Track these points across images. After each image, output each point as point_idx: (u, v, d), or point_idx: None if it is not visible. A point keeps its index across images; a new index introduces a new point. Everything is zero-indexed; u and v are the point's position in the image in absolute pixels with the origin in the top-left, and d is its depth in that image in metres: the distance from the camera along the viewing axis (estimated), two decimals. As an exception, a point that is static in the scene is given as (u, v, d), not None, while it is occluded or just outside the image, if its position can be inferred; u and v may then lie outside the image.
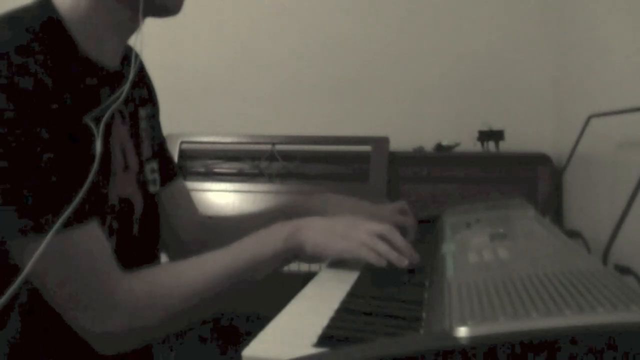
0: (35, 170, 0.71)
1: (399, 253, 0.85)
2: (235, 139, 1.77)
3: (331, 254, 0.88)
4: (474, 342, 0.46)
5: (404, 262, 0.84)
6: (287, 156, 1.72)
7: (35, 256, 0.67)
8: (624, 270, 0.79)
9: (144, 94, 0.99)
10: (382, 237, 0.86)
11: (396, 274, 0.84)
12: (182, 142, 1.75)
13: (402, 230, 1.06)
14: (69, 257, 0.72)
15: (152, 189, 0.96)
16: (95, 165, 0.74)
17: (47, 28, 0.77)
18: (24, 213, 0.70)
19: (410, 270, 0.85)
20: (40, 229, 0.70)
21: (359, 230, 0.87)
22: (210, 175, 1.77)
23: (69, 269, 0.73)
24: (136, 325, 0.77)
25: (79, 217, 0.72)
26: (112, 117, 0.83)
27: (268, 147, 1.73)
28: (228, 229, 1.10)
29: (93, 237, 0.76)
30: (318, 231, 0.87)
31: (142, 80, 1.00)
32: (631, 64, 1.04)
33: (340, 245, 0.86)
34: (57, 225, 0.69)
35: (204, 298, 0.80)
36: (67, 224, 0.70)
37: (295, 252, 0.86)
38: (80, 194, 0.71)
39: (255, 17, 1.97)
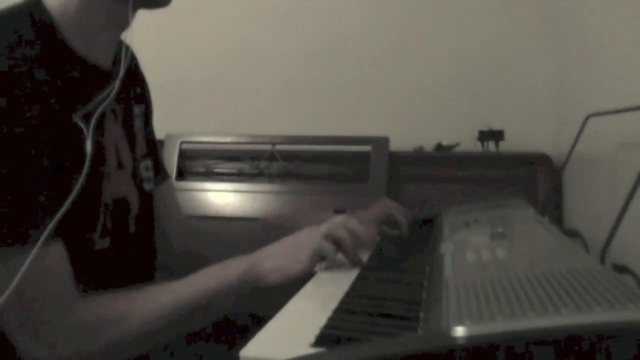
0: (15, 181, 0.70)
1: (357, 241, 0.86)
2: (235, 139, 1.77)
3: (296, 275, 0.84)
4: (472, 342, 0.46)
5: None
6: (287, 156, 1.72)
7: (22, 270, 0.65)
8: (621, 269, 0.79)
9: (137, 91, 0.98)
10: (345, 227, 0.86)
11: (395, 273, 0.84)
12: (182, 142, 1.75)
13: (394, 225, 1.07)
14: (21, 278, 0.68)
15: (147, 186, 0.96)
16: (85, 171, 0.73)
17: (36, 28, 0.76)
18: None
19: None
20: (8, 244, 0.68)
21: (317, 232, 0.85)
22: (210, 175, 1.77)
23: (18, 291, 0.69)
24: (83, 352, 0.74)
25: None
26: (104, 115, 0.83)
27: (268, 147, 1.73)
28: (211, 232, 1.10)
29: (54, 258, 0.73)
30: (277, 257, 0.84)
31: (136, 78, 0.99)
32: (630, 63, 1.04)
33: (303, 263, 0.83)
34: (41, 240, 0.67)
35: (155, 328, 0.78)
36: (32, 242, 0.68)
37: (256, 285, 0.83)
38: (59, 214, 0.69)
39: (255, 17, 1.97)
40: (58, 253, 0.74)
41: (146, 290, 0.81)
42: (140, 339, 0.78)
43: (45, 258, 0.71)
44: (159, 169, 1.04)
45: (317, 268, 0.96)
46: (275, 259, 0.83)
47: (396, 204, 1.12)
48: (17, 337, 0.73)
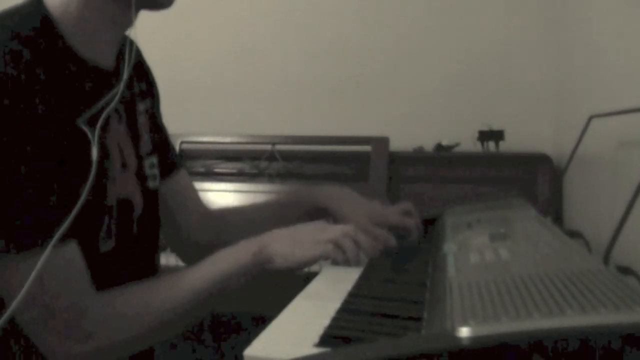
0: (23, 186, 0.69)
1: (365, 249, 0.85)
2: (235, 139, 1.77)
3: (302, 262, 0.85)
4: (476, 342, 0.46)
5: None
6: (287, 156, 1.72)
7: (33, 275, 0.65)
8: (625, 270, 0.79)
9: (142, 87, 0.97)
10: (349, 237, 0.85)
11: (397, 273, 0.84)
12: (182, 142, 1.75)
13: (405, 231, 1.07)
14: (42, 277, 0.69)
15: (152, 184, 0.94)
16: (91, 178, 0.73)
17: (38, 30, 0.76)
18: (5, 230, 0.69)
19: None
20: (20, 248, 0.69)
21: (326, 233, 0.85)
22: (210, 175, 1.77)
23: (40, 289, 0.70)
24: (105, 348, 0.76)
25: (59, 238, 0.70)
26: (108, 117, 0.82)
27: (268, 147, 1.73)
28: (234, 222, 1.10)
29: (69, 259, 0.74)
30: (285, 242, 0.85)
31: (141, 73, 0.98)
32: (632, 64, 1.04)
33: (309, 252, 0.84)
34: (50, 245, 0.67)
35: (173, 317, 0.79)
36: (47, 244, 0.68)
37: (264, 266, 0.84)
38: (70, 217, 0.70)
39: (255, 17, 1.97)
40: (74, 252, 0.74)
41: (164, 281, 0.82)
42: (160, 329, 0.79)
43: (62, 258, 0.72)
44: (168, 163, 1.02)
45: (320, 268, 0.97)
46: (283, 243, 0.85)
47: (417, 217, 1.12)
48: (38, 334, 0.73)
